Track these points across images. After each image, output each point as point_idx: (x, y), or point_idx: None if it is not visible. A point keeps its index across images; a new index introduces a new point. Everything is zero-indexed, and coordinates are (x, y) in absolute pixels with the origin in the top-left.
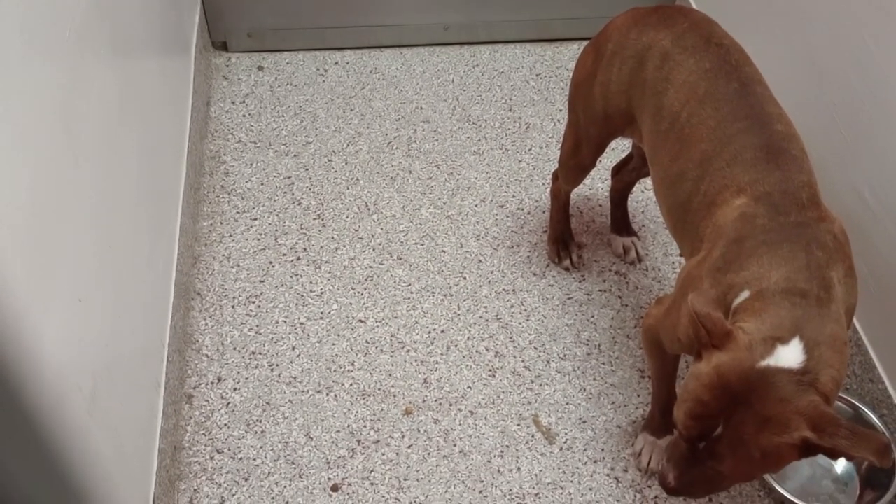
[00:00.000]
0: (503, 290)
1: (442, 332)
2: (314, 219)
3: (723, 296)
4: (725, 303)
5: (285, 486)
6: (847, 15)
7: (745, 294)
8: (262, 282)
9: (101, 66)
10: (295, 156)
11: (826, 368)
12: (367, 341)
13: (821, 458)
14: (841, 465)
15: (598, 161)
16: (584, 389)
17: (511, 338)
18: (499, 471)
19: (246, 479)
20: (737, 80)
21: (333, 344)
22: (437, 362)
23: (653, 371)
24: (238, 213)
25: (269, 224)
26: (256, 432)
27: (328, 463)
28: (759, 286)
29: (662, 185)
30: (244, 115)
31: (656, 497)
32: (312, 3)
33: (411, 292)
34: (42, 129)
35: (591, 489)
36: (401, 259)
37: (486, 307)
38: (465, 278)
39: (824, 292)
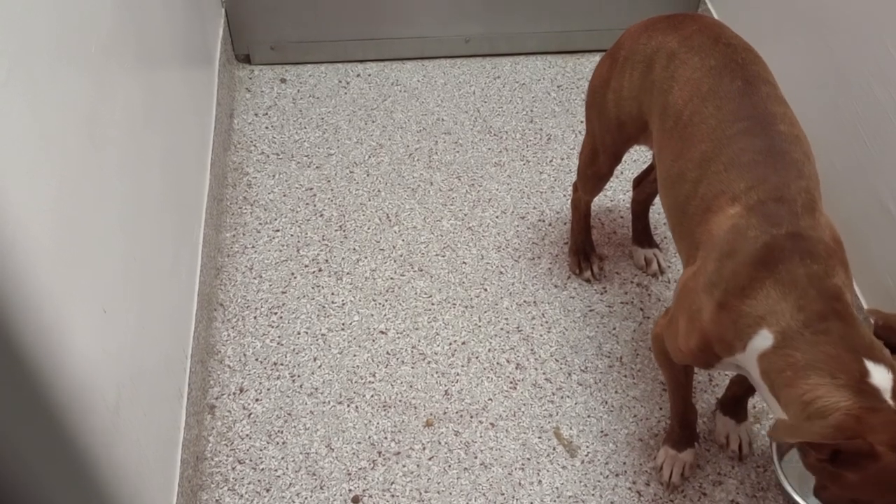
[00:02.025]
0: (524, 301)
1: (463, 343)
2: (336, 230)
3: (732, 323)
4: (737, 329)
5: (306, 498)
6: (870, 24)
7: (765, 336)
8: (283, 293)
9: (126, 79)
10: (317, 167)
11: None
12: (388, 353)
13: None
14: None
15: (615, 170)
16: (606, 402)
17: (532, 350)
18: (520, 483)
19: (267, 490)
20: (741, 77)
21: (355, 355)
22: (457, 374)
23: (667, 381)
24: (260, 224)
25: (291, 235)
26: (278, 443)
27: (349, 474)
28: (777, 326)
29: (664, 185)
30: (267, 127)
31: None
32: (334, 16)
33: (432, 304)
34: (68, 140)
35: (612, 503)
36: (422, 270)
37: (507, 319)
38: (485, 290)
39: (838, 302)
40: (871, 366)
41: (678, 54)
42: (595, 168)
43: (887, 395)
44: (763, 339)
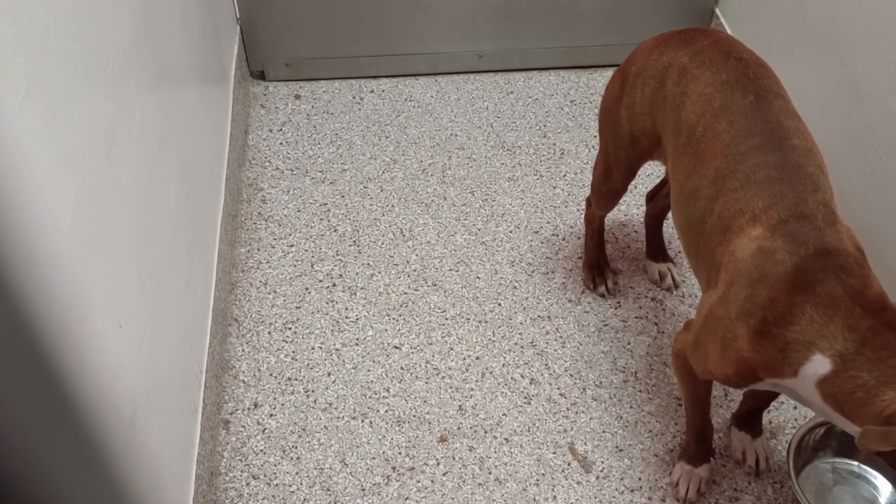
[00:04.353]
0: (538, 316)
1: (477, 358)
2: (350, 245)
3: (779, 351)
4: (785, 357)
5: None
6: (885, 38)
7: (820, 362)
8: (298, 308)
9: (142, 96)
10: (331, 183)
11: None
12: (402, 368)
13: (863, 490)
14: (885, 495)
15: (629, 186)
16: (621, 417)
17: (546, 365)
18: (534, 499)
19: None
20: (753, 92)
21: (369, 370)
22: (472, 389)
23: (685, 397)
24: (275, 239)
25: (306, 250)
26: (292, 458)
27: (363, 490)
28: (832, 350)
29: (677, 202)
30: (281, 143)
31: None
32: (348, 33)
33: (446, 318)
34: (86, 157)
35: None
36: (436, 285)
37: (521, 334)
38: (499, 305)
39: (885, 313)
40: None
41: (690, 69)
42: (609, 184)
43: None
44: (818, 365)
